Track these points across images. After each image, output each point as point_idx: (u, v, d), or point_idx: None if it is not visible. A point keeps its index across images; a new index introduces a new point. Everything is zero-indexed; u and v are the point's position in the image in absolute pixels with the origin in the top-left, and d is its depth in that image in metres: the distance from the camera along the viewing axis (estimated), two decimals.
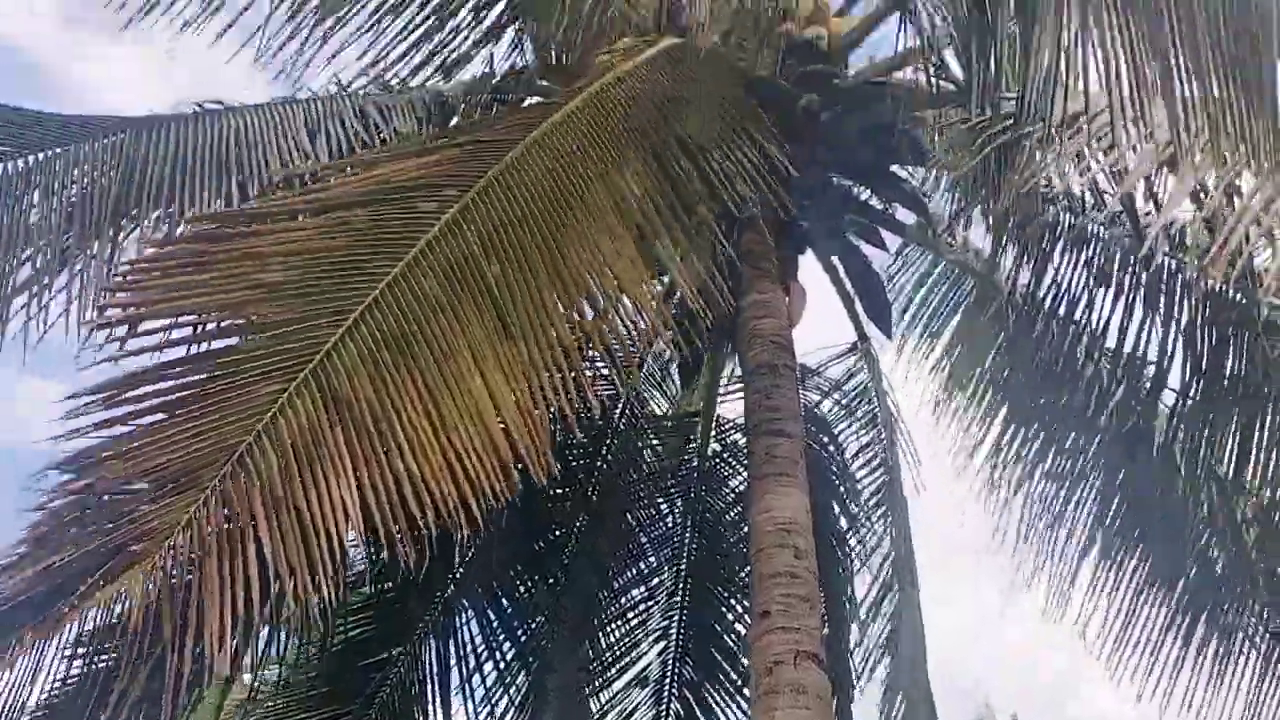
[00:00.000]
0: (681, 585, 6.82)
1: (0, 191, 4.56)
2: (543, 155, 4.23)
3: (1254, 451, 5.21)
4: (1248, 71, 3.64)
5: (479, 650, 6.32)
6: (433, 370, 3.52)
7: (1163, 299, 5.20)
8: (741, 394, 5.48)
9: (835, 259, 6.27)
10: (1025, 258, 5.47)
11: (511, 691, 6.41)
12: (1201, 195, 3.82)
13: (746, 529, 5.16)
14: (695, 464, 6.95)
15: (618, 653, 6.78)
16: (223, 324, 3.63)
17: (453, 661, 6.27)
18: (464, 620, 6.36)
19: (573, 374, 3.76)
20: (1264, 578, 5.69)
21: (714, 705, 6.69)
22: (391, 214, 3.90)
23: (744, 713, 6.60)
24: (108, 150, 4.71)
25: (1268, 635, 5.78)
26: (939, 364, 6.77)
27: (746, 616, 6.32)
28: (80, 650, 3.49)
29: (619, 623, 6.80)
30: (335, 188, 4.04)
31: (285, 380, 3.34)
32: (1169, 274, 5.22)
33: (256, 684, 6.19)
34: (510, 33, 5.98)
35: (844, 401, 6.97)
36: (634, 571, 6.88)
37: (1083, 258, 5.47)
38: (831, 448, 6.85)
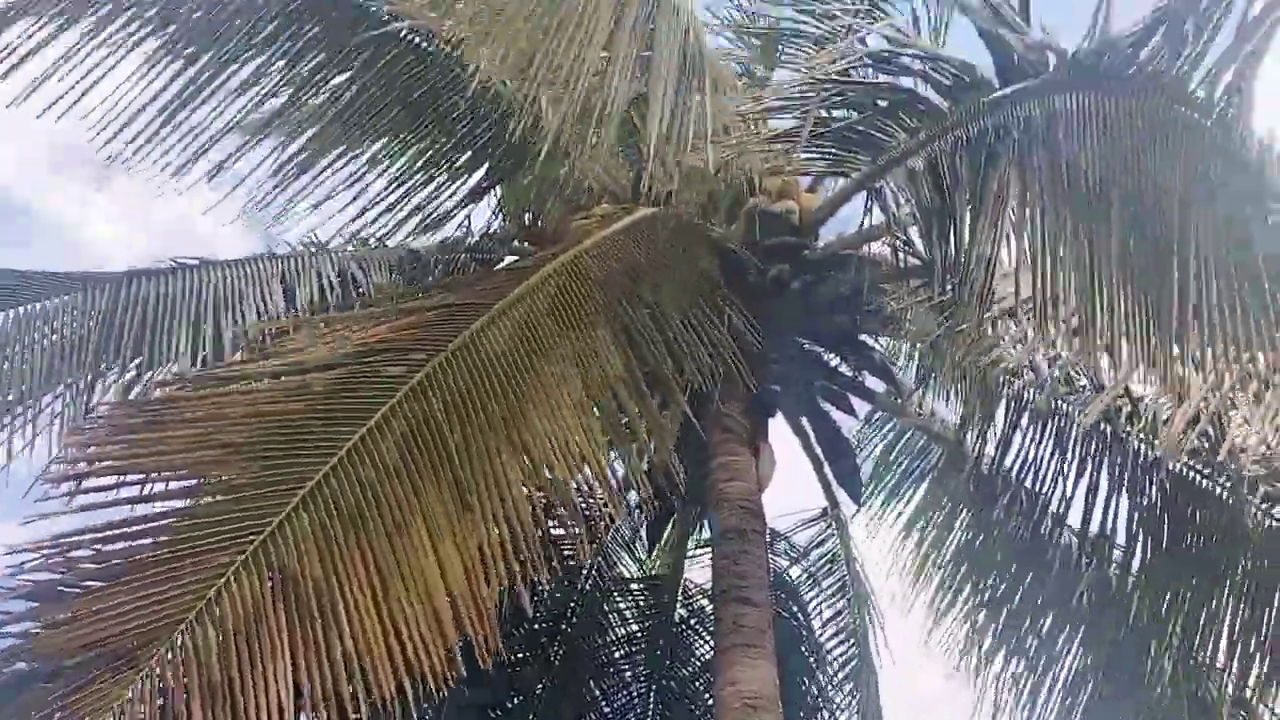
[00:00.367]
0: None
1: None
2: (512, 321, 4.23)
3: (1213, 626, 5.21)
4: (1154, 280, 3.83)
5: None
6: (384, 545, 3.42)
7: (1126, 475, 5.26)
8: (710, 558, 5.41)
9: (805, 423, 6.31)
10: (990, 430, 5.54)
11: None
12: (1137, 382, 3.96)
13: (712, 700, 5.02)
14: (662, 630, 6.81)
15: None
16: (177, 485, 3.56)
17: None
18: None
19: (537, 541, 3.69)
20: None
21: None
22: (356, 377, 3.87)
23: None
24: (88, 303, 4.80)
25: None
26: (908, 531, 6.74)
27: None
28: None
29: None
30: (300, 351, 4.01)
31: (235, 551, 3.25)
32: (1131, 451, 5.29)
33: None
34: (490, 196, 6.16)
35: (812, 568, 6.90)
36: None
37: (1047, 432, 5.54)
38: (800, 616, 6.75)
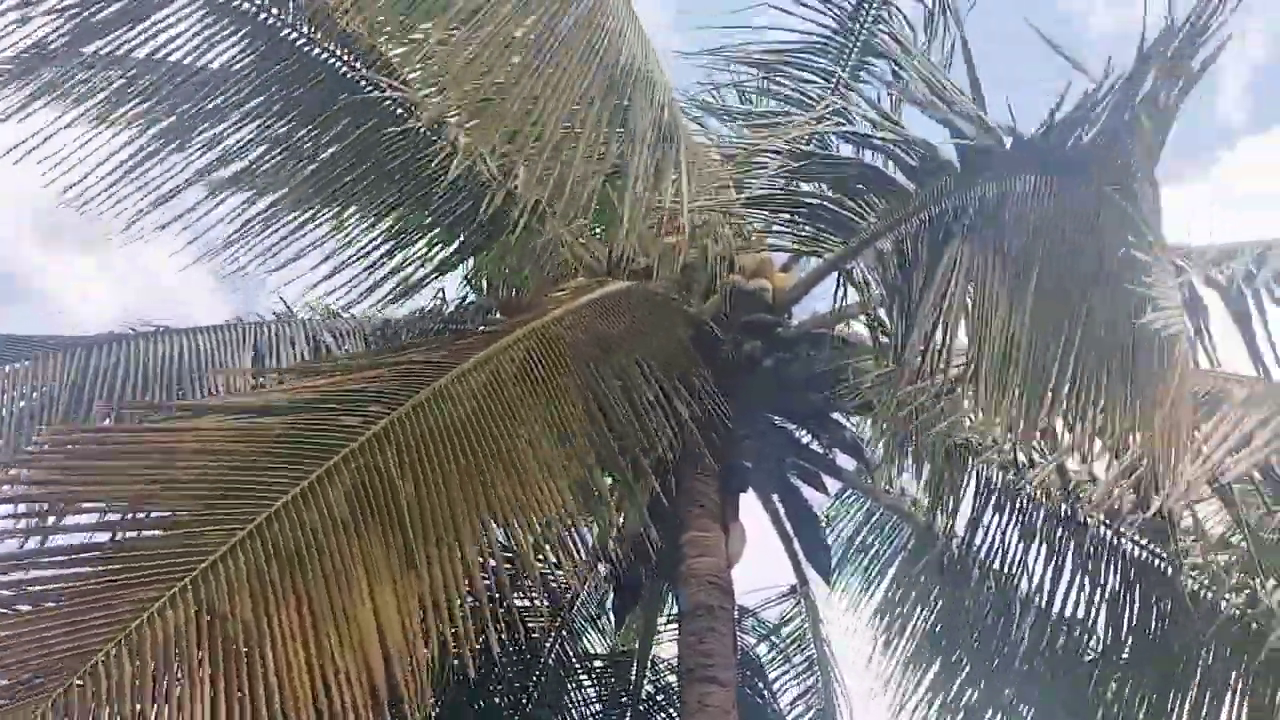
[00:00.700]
0: None
1: None
2: (477, 382, 4.18)
3: (1178, 711, 5.22)
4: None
5: None
6: (321, 594, 3.35)
7: (1090, 561, 5.30)
8: (677, 634, 5.36)
9: (776, 499, 6.32)
10: (957, 511, 5.57)
11: None
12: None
13: None
14: (629, 708, 6.70)
15: None
16: (117, 516, 3.53)
17: None
18: None
19: (487, 604, 3.63)
20: None
21: None
22: (310, 425, 3.80)
23: None
24: (57, 367, 4.81)
25: None
26: (877, 609, 6.71)
27: None
28: None
29: None
30: (260, 393, 3.98)
31: (164, 585, 3.18)
32: (1096, 537, 5.33)
33: None
34: (465, 266, 6.19)
35: (781, 646, 6.84)
36: None
37: (1012, 514, 5.57)
38: (766, 694, 6.67)
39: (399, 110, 5.58)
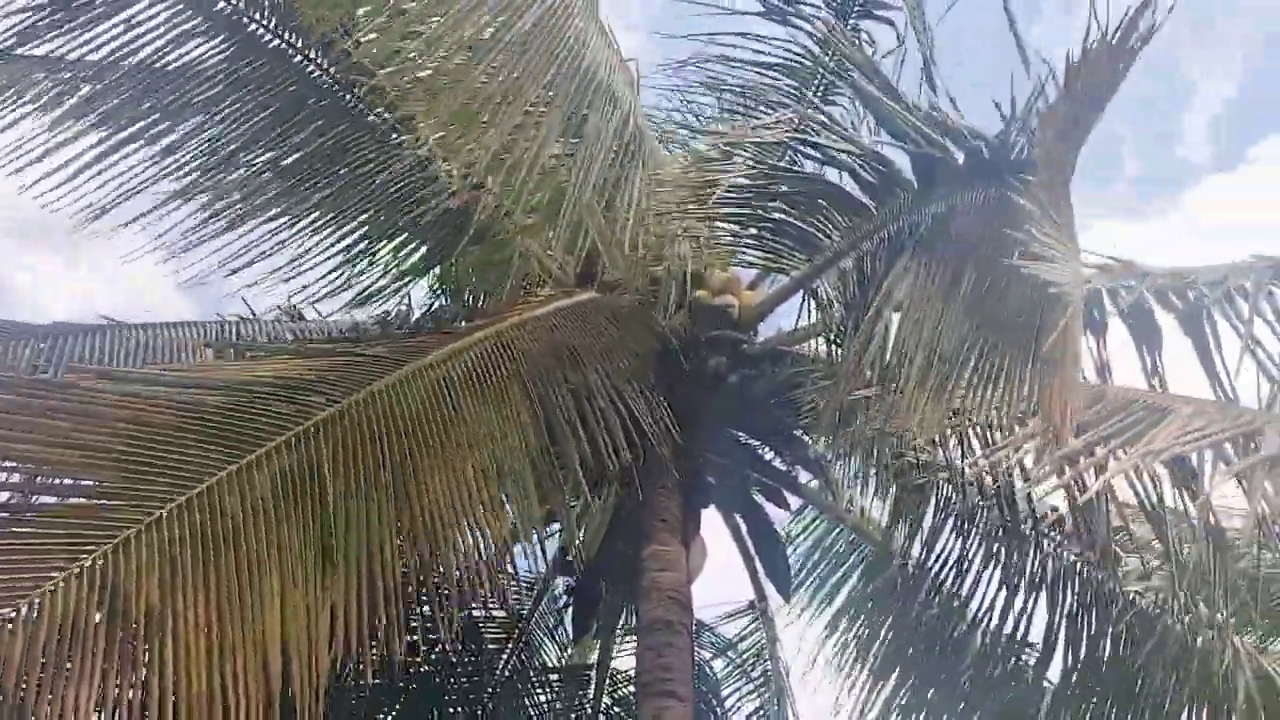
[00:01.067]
0: None
1: None
2: (425, 384, 4.11)
3: None
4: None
5: None
6: (231, 583, 3.25)
7: (1045, 582, 5.35)
8: (635, 649, 5.35)
9: (738, 516, 6.33)
10: (915, 529, 5.60)
11: None
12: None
13: None
14: None
15: None
16: (31, 479, 3.39)
17: None
18: None
19: (403, 609, 3.54)
20: None
21: None
22: (245, 408, 3.71)
23: None
24: (19, 353, 4.74)
25: None
26: (833, 626, 6.74)
27: None
28: None
29: None
30: (201, 367, 3.86)
31: (67, 559, 3.07)
32: (1051, 557, 5.38)
33: None
34: (432, 273, 6.16)
35: (738, 661, 6.85)
36: None
37: (969, 532, 5.62)
38: (719, 709, 6.67)
39: (361, 107, 5.54)
